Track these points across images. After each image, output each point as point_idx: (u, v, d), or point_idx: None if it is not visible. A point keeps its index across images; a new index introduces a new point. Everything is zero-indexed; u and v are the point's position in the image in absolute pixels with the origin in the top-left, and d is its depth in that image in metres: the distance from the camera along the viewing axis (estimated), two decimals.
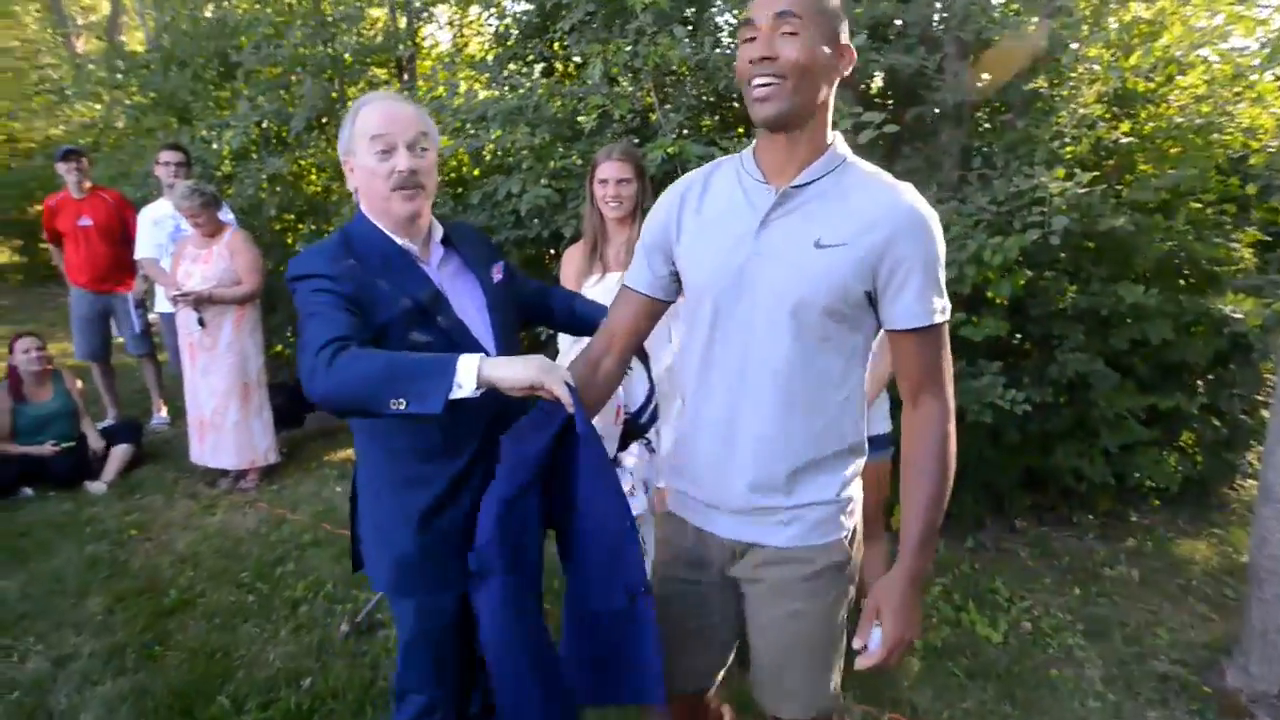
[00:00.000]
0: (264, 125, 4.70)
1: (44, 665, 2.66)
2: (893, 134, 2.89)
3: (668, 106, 3.25)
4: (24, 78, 11.62)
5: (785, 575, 1.40)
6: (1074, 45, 3.15)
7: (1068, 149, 3.12)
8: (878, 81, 3.78)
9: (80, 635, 2.84)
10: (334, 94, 4.69)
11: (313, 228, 5.20)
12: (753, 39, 1.21)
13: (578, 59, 4.71)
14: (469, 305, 1.60)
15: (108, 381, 5.17)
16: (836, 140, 1.32)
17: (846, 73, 1.28)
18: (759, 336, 1.32)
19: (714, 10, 3.51)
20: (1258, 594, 2.41)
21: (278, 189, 4.81)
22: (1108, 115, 3.16)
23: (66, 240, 4.82)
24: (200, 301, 3.95)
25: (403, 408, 1.26)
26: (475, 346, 1.53)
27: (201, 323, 4.00)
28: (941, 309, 1.29)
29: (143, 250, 4.51)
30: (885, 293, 1.28)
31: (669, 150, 3.05)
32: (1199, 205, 3.30)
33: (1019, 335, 3.66)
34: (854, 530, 1.48)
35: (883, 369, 2.56)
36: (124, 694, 2.49)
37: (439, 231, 1.63)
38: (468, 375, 1.26)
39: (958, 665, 2.73)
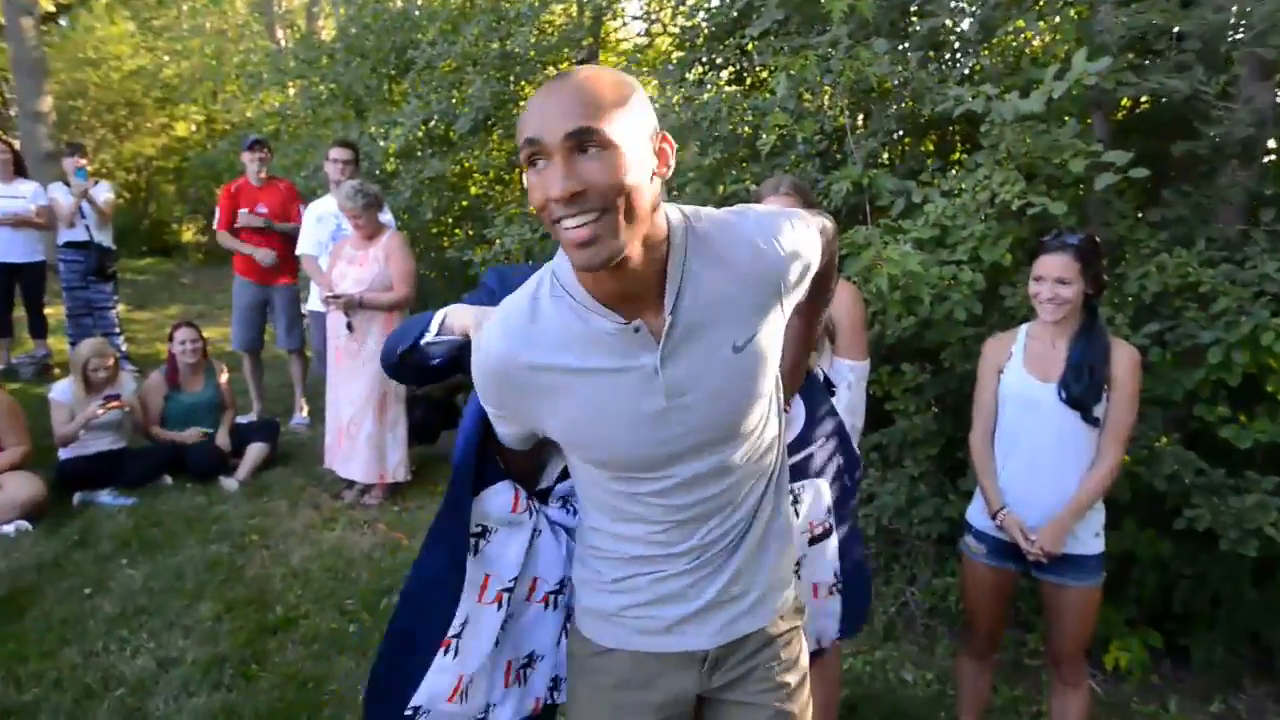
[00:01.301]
0: (431, 124, 5.12)
1: (150, 665, 3.01)
2: (1145, 176, 2.62)
3: (860, 130, 3.17)
4: (226, 61, 13.49)
5: None
6: None
7: None
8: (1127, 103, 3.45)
9: (187, 640, 3.19)
10: (504, 94, 5.02)
11: (469, 233, 5.58)
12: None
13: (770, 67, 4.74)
14: None
15: (257, 375, 5.83)
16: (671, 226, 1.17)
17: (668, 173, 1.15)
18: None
19: (918, 23, 3.37)
20: None
21: (439, 191, 5.20)
22: None
23: (240, 229, 5.50)
24: (351, 305, 4.35)
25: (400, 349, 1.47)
26: None
27: (350, 327, 4.40)
28: None
29: (304, 246, 5.05)
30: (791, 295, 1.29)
31: (857, 180, 2.97)
32: None
33: None
34: None
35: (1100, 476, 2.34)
36: (215, 711, 2.76)
37: None
38: (434, 321, 1.45)
39: None
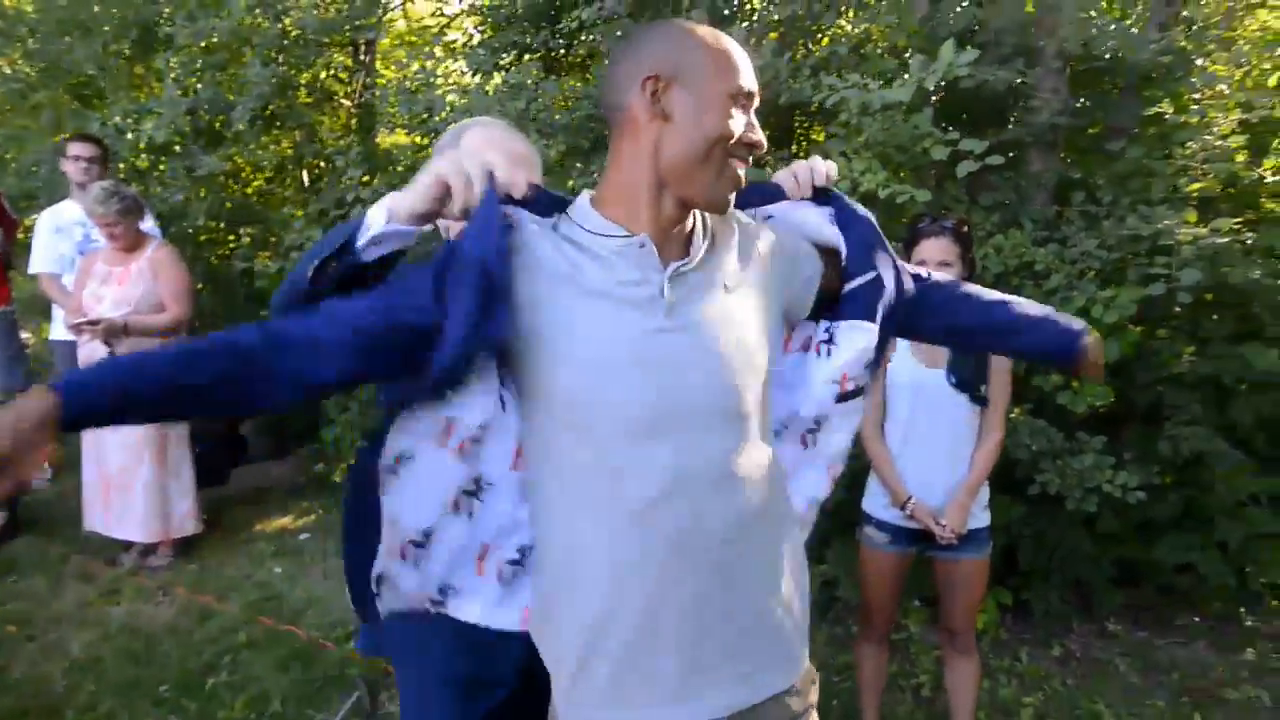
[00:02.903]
0: (196, 114, 4.50)
1: None
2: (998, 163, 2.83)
3: None
4: None
5: None
6: (1199, 61, 3.15)
7: (1192, 186, 3.09)
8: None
9: None
10: (286, 80, 4.52)
11: (248, 239, 5.00)
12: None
13: (583, 52, 4.64)
14: None
15: None
16: None
17: None
18: None
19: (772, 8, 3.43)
20: None
21: (208, 192, 4.60)
22: (1245, 146, 3.15)
23: None
24: (112, 331, 3.72)
25: (316, 260, 1.16)
26: None
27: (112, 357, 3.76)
28: None
29: (39, 263, 4.24)
30: None
31: None
32: None
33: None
34: None
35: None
36: None
37: None
38: (376, 213, 1.16)
39: None
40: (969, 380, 2.47)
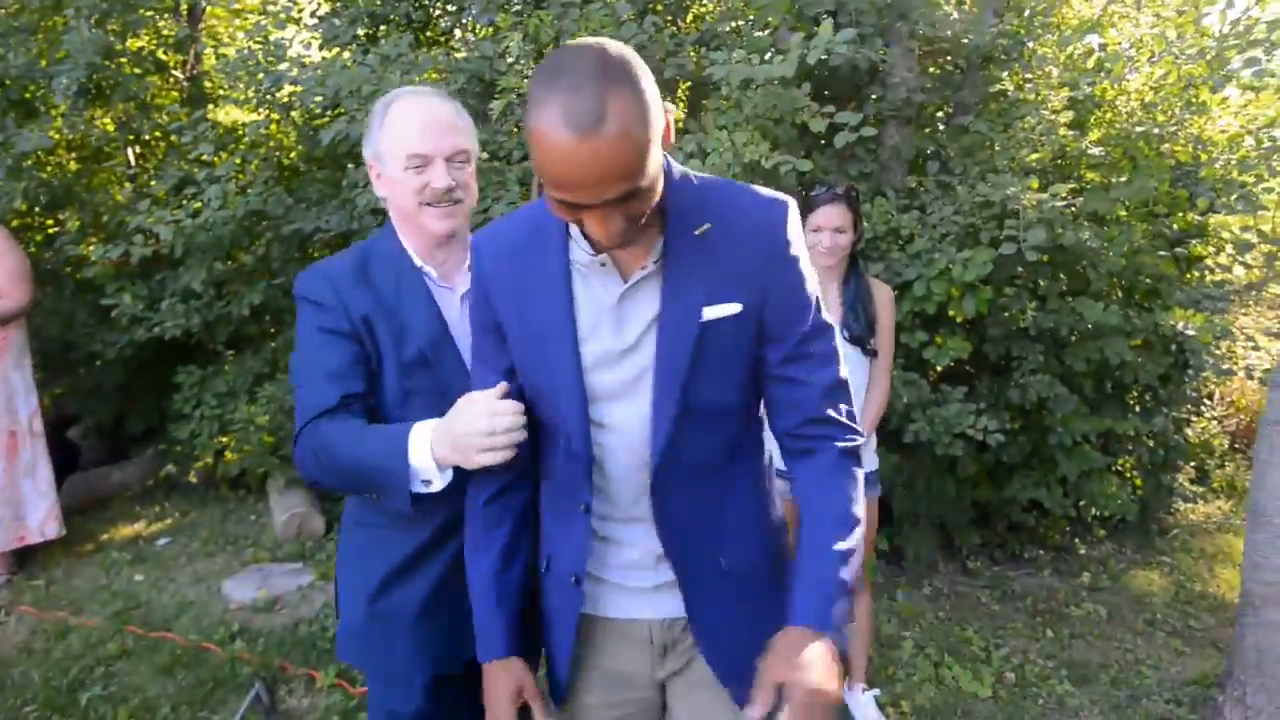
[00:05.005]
0: (7, 84, 4.13)
1: None
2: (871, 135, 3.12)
3: None
4: None
5: None
6: (1029, 44, 3.57)
7: (1030, 156, 3.51)
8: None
9: None
10: (114, 48, 4.23)
11: (75, 223, 4.65)
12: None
13: (445, 24, 4.63)
14: None
15: None
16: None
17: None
18: None
19: None
20: (1253, 621, 2.83)
21: (30, 172, 4.25)
22: (1071, 122, 3.61)
23: None
24: None
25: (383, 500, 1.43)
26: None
27: None
28: None
29: None
30: None
31: None
32: (1151, 217, 3.85)
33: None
34: None
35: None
36: None
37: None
38: (426, 464, 1.33)
39: None
40: (860, 335, 2.73)
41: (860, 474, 1.35)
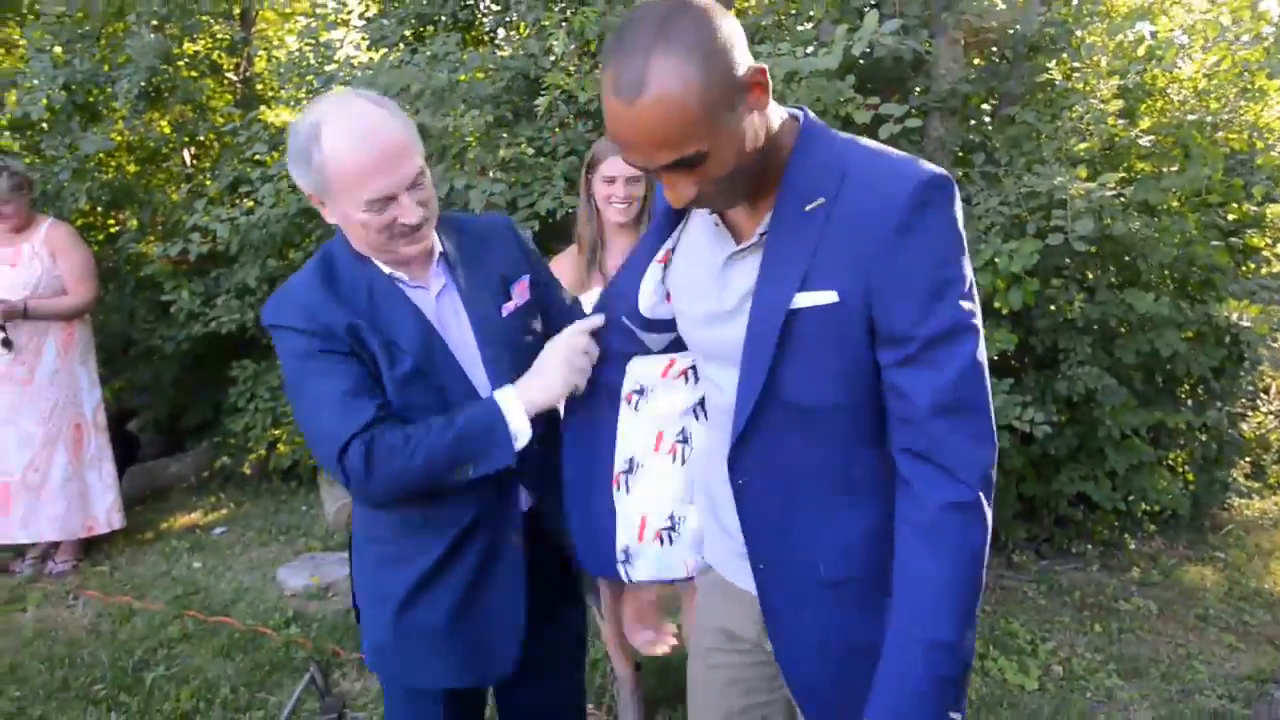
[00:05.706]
0: (70, 88, 4.31)
1: None
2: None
3: None
4: None
5: None
6: (1078, 33, 3.55)
7: (1079, 146, 3.49)
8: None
9: None
10: (173, 51, 4.39)
11: (134, 222, 4.83)
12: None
13: (489, 22, 4.72)
14: (469, 343, 1.55)
15: None
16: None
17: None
18: None
19: None
20: None
21: (86, 173, 4.42)
22: (1120, 110, 3.58)
23: None
24: (12, 315, 3.59)
25: (471, 474, 1.42)
26: (472, 397, 1.50)
27: (8, 344, 3.62)
28: None
29: None
30: None
31: None
32: (1205, 207, 3.80)
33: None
34: None
35: None
36: None
37: (438, 249, 1.56)
38: (519, 420, 1.42)
39: (1000, 719, 2.95)
40: None
41: (976, 536, 1.11)
